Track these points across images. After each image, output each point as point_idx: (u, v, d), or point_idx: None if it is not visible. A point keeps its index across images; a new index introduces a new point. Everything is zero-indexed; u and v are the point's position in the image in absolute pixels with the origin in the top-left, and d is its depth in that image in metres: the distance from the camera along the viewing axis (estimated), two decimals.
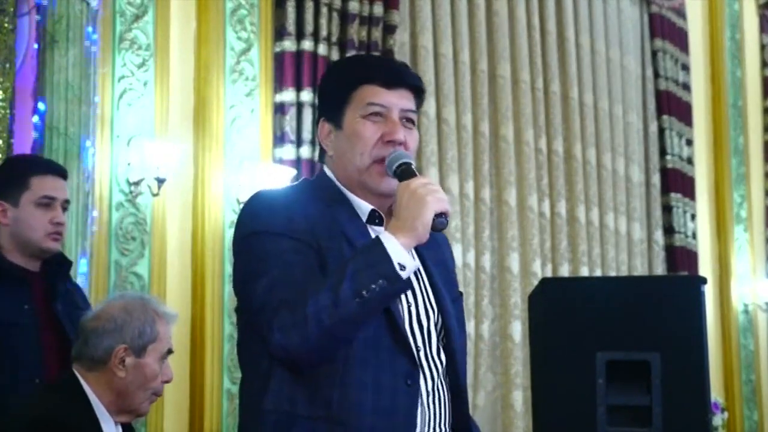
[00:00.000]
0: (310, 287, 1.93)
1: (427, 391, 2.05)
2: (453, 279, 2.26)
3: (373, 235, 2.05)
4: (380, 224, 2.12)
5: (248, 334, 2.09)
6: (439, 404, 2.07)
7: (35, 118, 4.35)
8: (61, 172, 3.22)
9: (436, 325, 2.11)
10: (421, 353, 2.06)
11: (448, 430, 2.09)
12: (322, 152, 2.20)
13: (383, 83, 2.12)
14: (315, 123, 2.30)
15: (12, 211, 3.08)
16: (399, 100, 2.12)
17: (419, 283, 2.13)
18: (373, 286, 1.91)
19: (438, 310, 2.12)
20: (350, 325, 1.94)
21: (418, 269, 2.12)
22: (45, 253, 3.11)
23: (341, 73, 2.21)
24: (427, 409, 2.04)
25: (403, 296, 2.06)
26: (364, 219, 2.12)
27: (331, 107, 2.16)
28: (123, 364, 2.64)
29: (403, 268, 1.93)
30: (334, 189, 2.14)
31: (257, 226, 2.05)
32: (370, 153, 2.09)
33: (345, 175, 2.13)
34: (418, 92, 2.18)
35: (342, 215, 2.09)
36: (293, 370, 1.98)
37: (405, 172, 2.04)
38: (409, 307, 2.07)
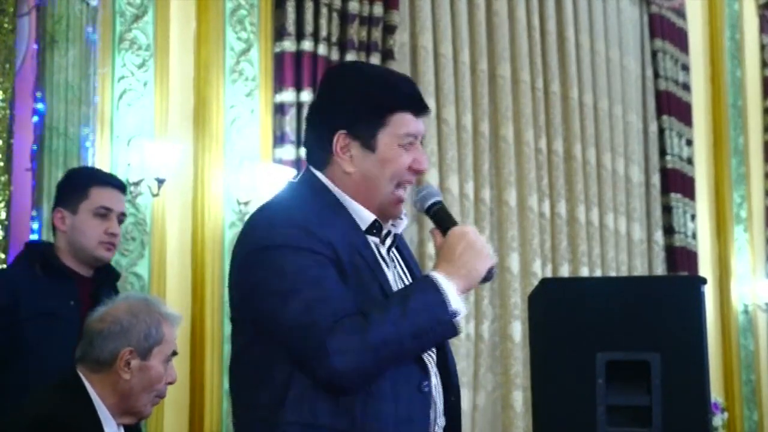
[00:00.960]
0: (369, 313, 1.97)
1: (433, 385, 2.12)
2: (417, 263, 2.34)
3: (372, 246, 2.11)
4: (377, 235, 2.15)
5: (258, 346, 2.06)
6: (438, 395, 2.13)
7: (35, 118, 4.36)
8: (120, 186, 3.39)
9: None
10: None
11: (443, 416, 2.15)
12: (325, 160, 2.16)
13: (416, 112, 2.17)
14: (315, 125, 2.26)
15: (70, 219, 3.25)
16: (422, 127, 2.20)
17: (404, 276, 2.20)
18: (430, 329, 2.00)
19: None
20: (400, 359, 2.01)
21: (401, 265, 2.22)
22: (98, 262, 3.27)
23: (372, 92, 2.16)
24: (433, 403, 2.10)
25: None
26: (364, 227, 2.13)
27: (359, 126, 2.13)
28: (128, 366, 2.63)
29: (456, 314, 2.01)
30: (331, 196, 2.14)
31: (274, 239, 2.02)
32: (399, 178, 2.15)
33: (363, 194, 2.14)
34: None
35: (346, 224, 2.11)
36: (320, 387, 1.99)
37: (442, 212, 2.15)
38: None
